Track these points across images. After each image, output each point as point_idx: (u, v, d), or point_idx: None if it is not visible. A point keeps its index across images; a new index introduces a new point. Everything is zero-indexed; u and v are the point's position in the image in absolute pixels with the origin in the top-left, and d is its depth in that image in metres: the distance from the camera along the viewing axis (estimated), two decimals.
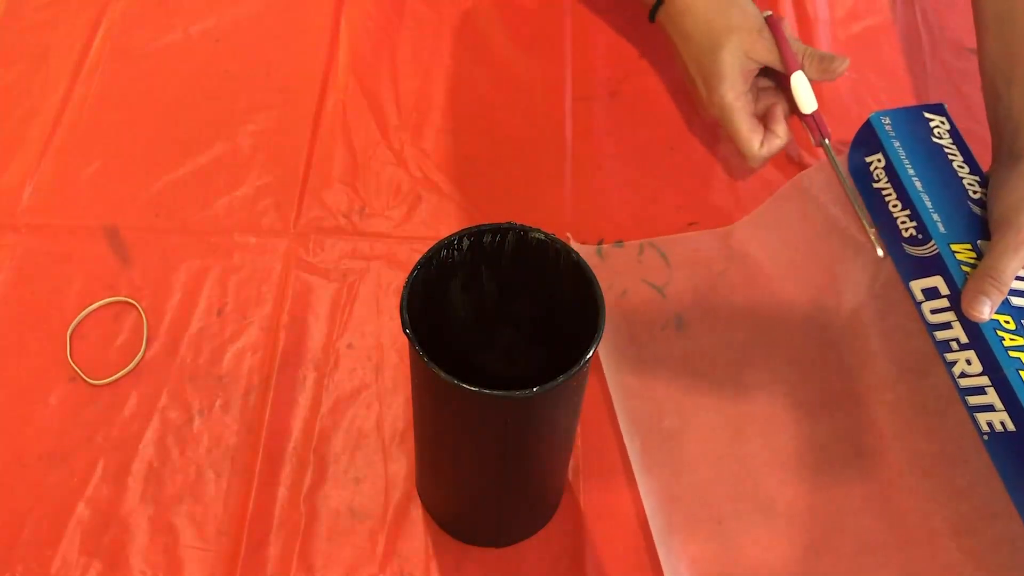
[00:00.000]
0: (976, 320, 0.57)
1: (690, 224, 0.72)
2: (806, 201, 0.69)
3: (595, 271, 0.48)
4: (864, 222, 0.65)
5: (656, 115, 0.78)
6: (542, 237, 0.49)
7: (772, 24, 0.68)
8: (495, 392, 0.44)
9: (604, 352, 0.65)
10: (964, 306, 0.58)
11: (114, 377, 0.64)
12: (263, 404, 0.63)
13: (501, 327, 0.56)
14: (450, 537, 0.58)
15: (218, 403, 0.63)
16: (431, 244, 0.48)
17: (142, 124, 0.76)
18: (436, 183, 0.74)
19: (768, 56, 0.68)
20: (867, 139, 0.66)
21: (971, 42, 0.84)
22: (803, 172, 0.69)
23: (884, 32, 0.85)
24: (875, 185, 0.65)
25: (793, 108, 0.70)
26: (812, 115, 0.68)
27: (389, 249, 0.70)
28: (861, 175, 0.66)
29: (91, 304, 0.67)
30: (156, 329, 0.66)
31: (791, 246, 0.69)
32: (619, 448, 0.62)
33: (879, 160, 0.64)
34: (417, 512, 0.59)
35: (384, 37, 0.82)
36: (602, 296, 0.47)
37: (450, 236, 0.49)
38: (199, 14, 0.83)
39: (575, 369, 0.45)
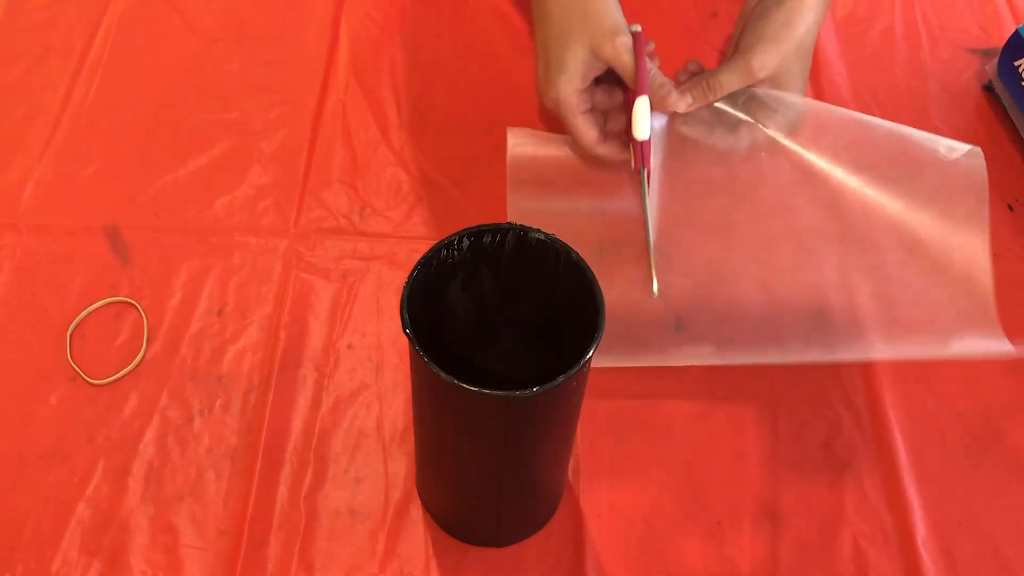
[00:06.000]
0: (667, 108, 0.66)
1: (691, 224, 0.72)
2: None
3: (595, 271, 0.48)
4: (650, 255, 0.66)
5: None
6: (542, 237, 0.49)
7: (635, 39, 0.65)
8: (495, 392, 0.44)
9: (602, 353, 0.65)
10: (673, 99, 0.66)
11: (114, 377, 0.64)
12: (263, 404, 0.63)
13: (501, 327, 0.56)
14: (450, 537, 0.58)
15: (218, 403, 0.63)
16: (431, 244, 0.48)
17: (142, 124, 0.76)
18: (436, 183, 0.74)
19: (617, 62, 0.65)
20: (1015, 48, 0.77)
21: (971, 42, 0.84)
22: None
23: (884, 33, 0.85)
24: (1023, 83, 0.77)
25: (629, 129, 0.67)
26: (641, 143, 0.66)
27: (389, 249, 0.70)
28: (1011, 78, 0.78)
29: (91, 304, 0.67)
30: (156, 329, 0.66)
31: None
32: (619, 448, 0.62)
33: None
34: (417, 512, 0.59)
35: (384, 37, 0.82)
36: (602, 296, 0.47)
37: (450, 236, 0.49)
38: (199, 14, 0.83)
39: (575, 369, 0.45)
